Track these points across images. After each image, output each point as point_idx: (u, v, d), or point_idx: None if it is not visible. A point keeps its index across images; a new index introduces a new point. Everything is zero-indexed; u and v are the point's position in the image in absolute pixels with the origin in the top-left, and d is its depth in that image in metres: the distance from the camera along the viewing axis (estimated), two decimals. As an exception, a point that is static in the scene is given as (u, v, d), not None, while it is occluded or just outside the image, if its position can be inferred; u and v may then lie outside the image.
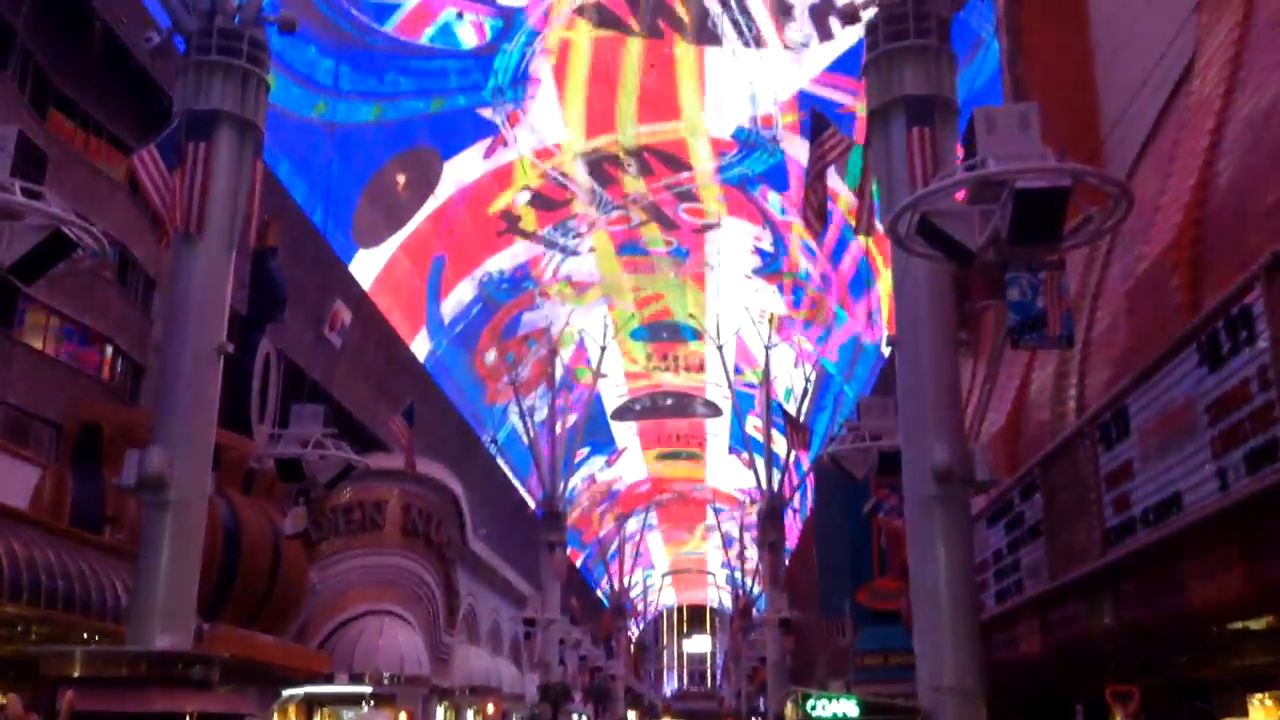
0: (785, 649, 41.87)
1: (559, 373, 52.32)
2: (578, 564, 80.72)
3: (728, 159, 47.75)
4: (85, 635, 16.47)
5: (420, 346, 49.44)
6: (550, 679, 44.15)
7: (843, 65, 38.94)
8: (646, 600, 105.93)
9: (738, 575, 74.38)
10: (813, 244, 48.53)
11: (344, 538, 31.50)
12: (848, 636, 25.90)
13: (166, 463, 13.88)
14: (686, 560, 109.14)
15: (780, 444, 47.75)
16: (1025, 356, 14.33)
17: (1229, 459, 7.40)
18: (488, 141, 45.53)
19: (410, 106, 42.29)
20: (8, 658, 16.44)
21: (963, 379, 15.38)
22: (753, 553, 65.36)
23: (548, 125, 45.72)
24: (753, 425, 56.28)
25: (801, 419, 43.09)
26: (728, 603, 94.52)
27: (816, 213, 14.51)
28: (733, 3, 40.29)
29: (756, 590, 64.06)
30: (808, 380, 50.23)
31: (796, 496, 55.20)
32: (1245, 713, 11.09)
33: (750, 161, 47.47)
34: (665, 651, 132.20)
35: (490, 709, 41.94)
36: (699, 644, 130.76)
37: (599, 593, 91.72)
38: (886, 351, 33.19)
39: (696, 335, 61.51)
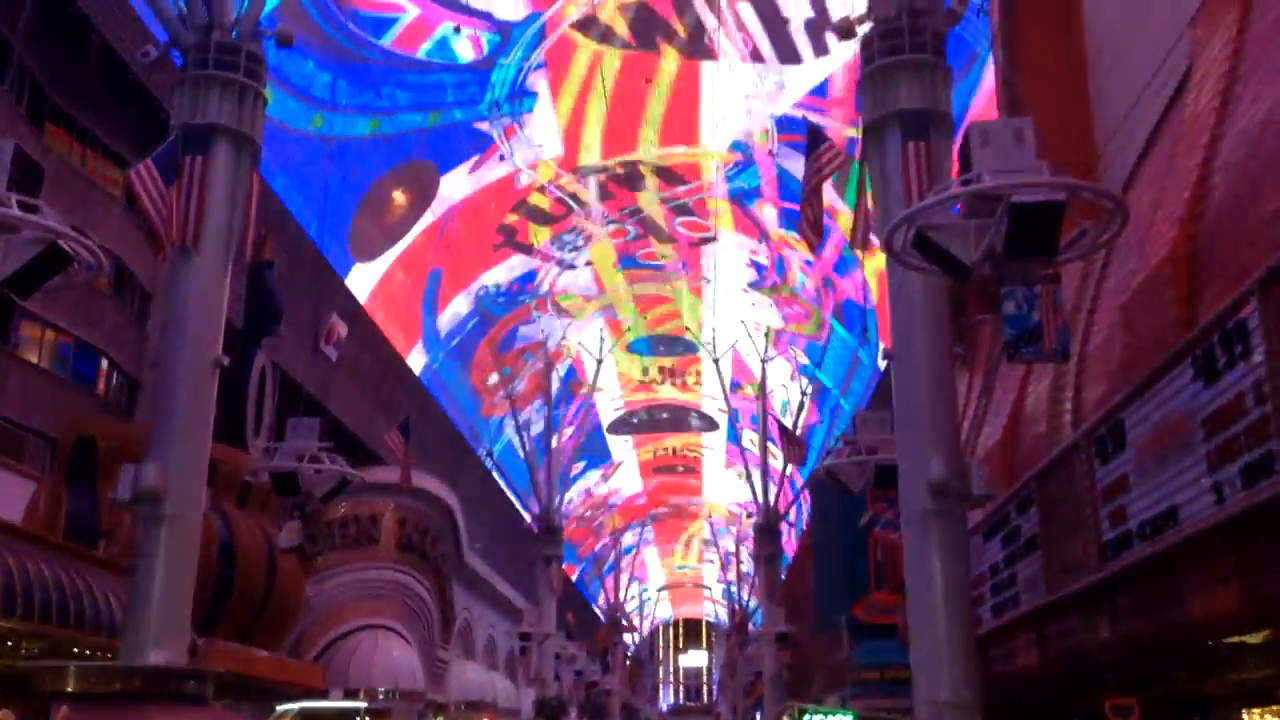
0: (782, 663, 41.74)
1: (555, 386, 52.27)
2: (573, 578, 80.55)
3: (727, 173, 47.87)
4: (79, 650, 16.40)
5: (416, 360, 49.38)
6: (546, 694, 44.01)
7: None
8: (643, 615, 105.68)
9: (734, 589, 74.19)
10: (810, 257, 48.56)
11: (339, 552, 31.40)
12: (844, 651, 25.83)
13: (162, 477, 13.81)
14: (682, 574, 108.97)
15: (776, 458, 47.70)
16: (1021, 370, 14.34)
17: (1225, 473, 7.41)
18: (484, 155, 45.59)
19: (407, 120, 42.33)
20: (1, 673, 16.36)
21: (959, 393, 15.39)
22: (749, 567, 65.23)
23: (545, 139, 45.78)
24: (749, 439, 56.25)
25: (797, 432, 43.08)
26: (724, 617, 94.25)
27: (813, 227, 14.53)
28: (728, 18, 40.40)
29: (753, 604, 63.91)
30: (804, 394, 50.23)
31: (793, 510, 55.12)
32: (1243, 727, 11.08)
33: (747, 175, 47.58)
34: (661, 666, 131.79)
35: (486, 724, 41.84)
36: (695, 658, 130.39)
37: (595, 607, 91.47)
38: (883, 365, 33.21)
39: (693, 349, 61.48)
